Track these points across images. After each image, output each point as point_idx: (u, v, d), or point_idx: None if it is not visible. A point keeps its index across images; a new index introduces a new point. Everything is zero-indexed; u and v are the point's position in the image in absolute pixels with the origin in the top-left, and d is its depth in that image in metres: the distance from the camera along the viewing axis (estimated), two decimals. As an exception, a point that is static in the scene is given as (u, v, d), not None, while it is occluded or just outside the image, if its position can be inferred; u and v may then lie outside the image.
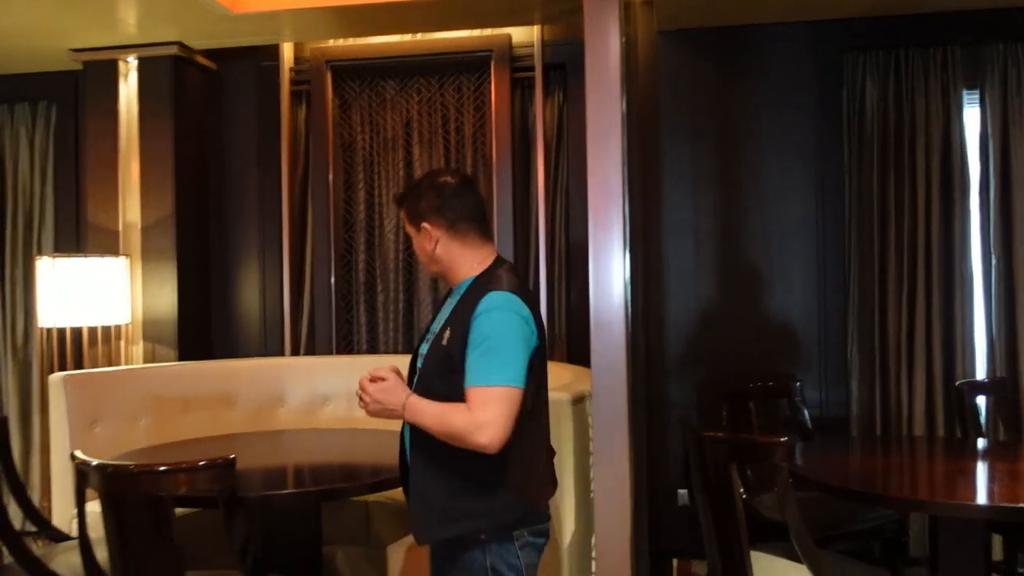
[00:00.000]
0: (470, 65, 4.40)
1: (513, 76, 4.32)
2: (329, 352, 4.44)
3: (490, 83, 4.34)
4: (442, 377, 2.06)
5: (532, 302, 2.15)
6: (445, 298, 2.33)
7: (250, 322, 4.65)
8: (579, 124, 4.34)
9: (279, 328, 4.56)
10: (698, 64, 4.30)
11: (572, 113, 4.37)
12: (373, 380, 2.08)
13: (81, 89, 4.62)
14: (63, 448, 3.56)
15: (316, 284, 4.49)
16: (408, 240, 4.47)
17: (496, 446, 1.95)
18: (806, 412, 3.70)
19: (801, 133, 4.22)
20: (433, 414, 2.01)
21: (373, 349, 4.51)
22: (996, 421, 3.94)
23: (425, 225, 2.18)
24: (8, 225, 4.87)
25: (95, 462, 2.23)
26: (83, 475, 2.25)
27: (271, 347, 4.60)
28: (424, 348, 2.20)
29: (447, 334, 2.09)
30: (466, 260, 2.18)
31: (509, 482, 2.05)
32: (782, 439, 2.37)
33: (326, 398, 4.12)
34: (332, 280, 4.47)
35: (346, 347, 4.53)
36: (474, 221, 2.20)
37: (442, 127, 4.45)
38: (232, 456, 2.21)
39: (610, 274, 2.54)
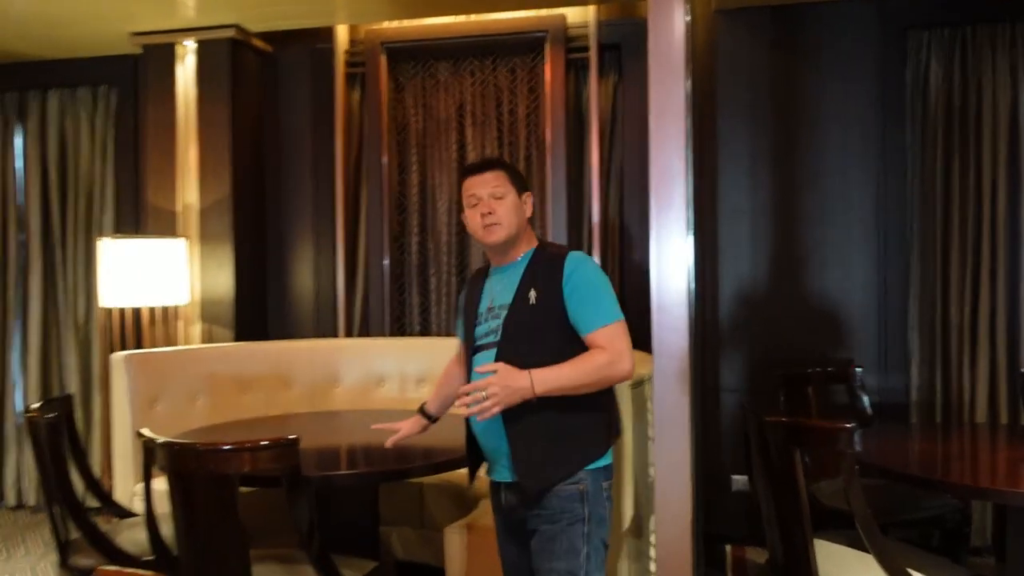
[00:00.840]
0: (524, 46, 4.37)
1: (568, 57, 4.28)
2: (382, 333, 4.47)
3: (544, 64, 4.31)
4: (529, 336, 2.19)
5: None
6: (481, 279, 2.42)
7: (305, 303, 4.69)
8: (634, 106, 4.30)
9: (333, 309, 4.59)
10: (756, 43, 4.21)
11: (627, 94, 4.32)
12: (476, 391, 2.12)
13: (141, 73, 4.68)
14: (125, 426, 3.64)
15: (370, 266, 4.52)
16: (461, 223, 4.47)
17: (632, 372, 2.17)
18: (865, 398, 3.63)
19: (862, 113, 4.13)
20: (569, 369, 2.13)
21: (426, 331, 4.53)
22: (1064, 410, 3.84)
23: (529, 194, 2.36)
24: (70, 206, 4.96)
25: (162, 440, 2.27)
26: (150, 452, 2.29)
27: (325, 328, 4.64)
28: (491, 324, 2.29)
29: (532, 295, 2.22)
30: (529, 234, 2.36)
31: (603, 408, 2.26)
32: (847, 424, 2.32)
33: (381, 379, 4.15)
34: (385, 262, 4.49)
35: (399, 329, 4.55)
36: None
37: (495, 109, 4.43)
38: (295, 436, 2.23)
39: (673, 259, 2.51)
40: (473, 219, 2.32)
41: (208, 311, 4.42)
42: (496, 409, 2.08)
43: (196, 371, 3.89)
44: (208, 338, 4.43)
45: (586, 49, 4.25)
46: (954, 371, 4.03)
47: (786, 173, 4.21)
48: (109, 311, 4.16)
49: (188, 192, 4.47)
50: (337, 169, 4.51)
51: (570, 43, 4.28)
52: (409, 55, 4.50)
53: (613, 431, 2.32)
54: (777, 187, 4.22)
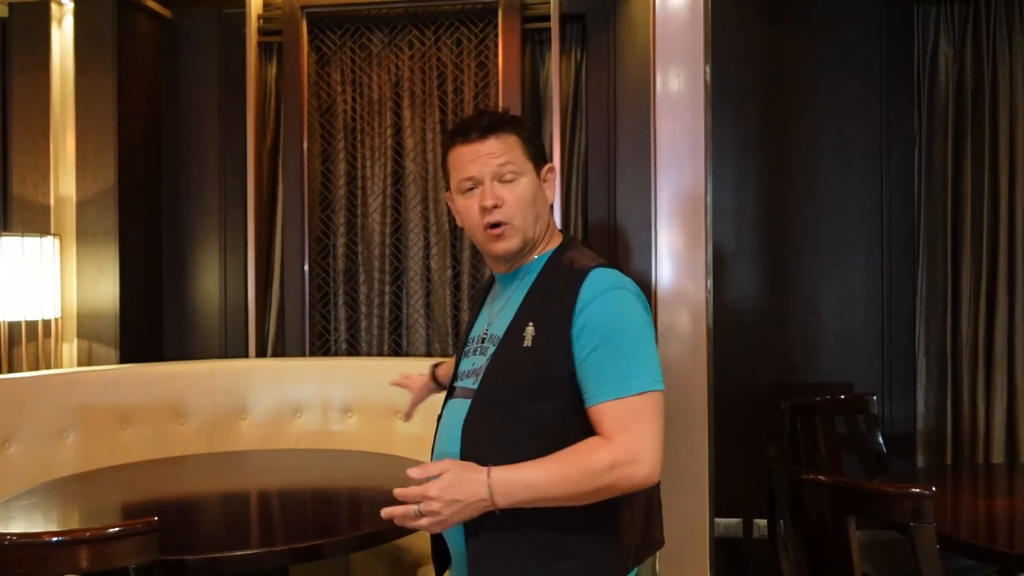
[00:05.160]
0: (472, 14, 3.71)
1: (524, 28, 3.63)
2: (301, 353, 3.75)
3: (496, 36, 3.66)
4: (515, 396, 1.48)
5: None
6: (485, 289, 1.76)
7: (208, 317, 3.94)
8: (600, 87, 3.69)
9: (242, 324, 3.85)
10: (743, 20, 3.64)
11: (592, 73, 3.70)
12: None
13: (8, 38, 3.88)
14: (-33, 473, 2.86)
15: (287, 272, 3.79)
16: (397, 223, 3.81)
17: (656, 477, 1.41)
18: (879, 433, 3.07)
19: (864, 100, 3.60)
20: (550, 472, 1.39)
21: (354, 350, 3.83)
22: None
23: (552, 167, 1.64)
24: (-77, 200, 4.13)
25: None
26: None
27: (232, 347, 3.90)
28: (476, 361, 1.60)
29: (529, 332, 1.47)
30: (552, 227, 1.66)
31: (614, 525, 1.49)
32: (924, 491, 1.73)
33: (297, 409, 3.43)
34: (306, 268, 3.77)
35: (322, 347, 3.83)
36: None
37: (438, 88, 3.76)
38: (155, 519, 1.53)
39: (690, 285, 1.94)
40: (470, 214, 1.58)
41: (86, 326, 3.64)
42: (437, 529, 1.40)
43: (65, 401, 3.12)
44: (87, 359, 3.65)
45: (545, 19, 3.61)
46: (966, 397, 3.50)
47: (777, 168, 3.65)
48: (-42, 326, 3.36)
49: (64, 182, 3.69)
50: (249, 156, 3.76)
51: (526, 11, 3.64)
52: (335, 23, 3.80)
53: (631, 556, 1.53)
54: (766, 185, 3.66)
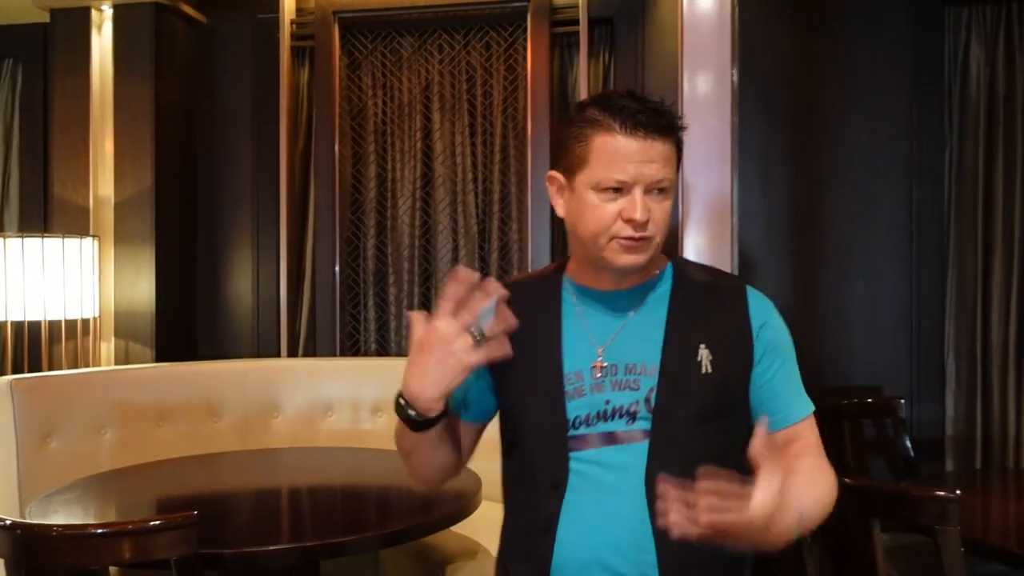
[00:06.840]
0: (502, 19, 3.75)
1: (552, 32, 3.67)
2: (332, 353, 3.81)
3: (525, 40, 3.70)
4: (704, 431, 1.34)
5: None
6: (556, 305, 1.45)
7: (241, 317, 4.02)
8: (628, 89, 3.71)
9: (274, 324, 3.92)
10: (771, 23, 3.64)
11: (621, 77, 3.73)
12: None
13: (49, 44, 3.98)
14: (9, 467, 2.94)
15: (318, 273, 3.85)
16: (426, 225, 3.86)
17: None
18: (907, 437, 3.06)
19: (893, 103, 3.58)
20: (808, 492, 1.29)
21: (383, 350, 3.88)
22: None
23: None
24: (-32, 201, 4.25)
25: (8, 520, 1.61)
26: (-13, 536, 1.63)
27: (265, 346, 3.97)
28: (616, 397, 1.35)
29: (705, 356, 1.34)
30: None
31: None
32: (950, 493, 1.74)
33: (328, 407, 3.50)
34: (336, 269, 3.83)
35: (352, 347, 3.89)
36: None
37: (467, 91, 3.80)
38: (194, 513, 1.58)
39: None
40: (602, 216, 1.32)
41: (124, 325, 3.73)
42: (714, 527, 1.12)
43: (103, 398, 3.20)
44: (124, 357, 3.73)
45: (574, 23, 3.65)
46: (996, 401, 3.49)
47: (804, 171, 3.65)
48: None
49: (103, 184, 3.78)
50: (281, 159, 3.83)
51: (555, 15, 3.67)
52: (367, 27, 3.85)
53: None
54: (794, 188, 3.66)
